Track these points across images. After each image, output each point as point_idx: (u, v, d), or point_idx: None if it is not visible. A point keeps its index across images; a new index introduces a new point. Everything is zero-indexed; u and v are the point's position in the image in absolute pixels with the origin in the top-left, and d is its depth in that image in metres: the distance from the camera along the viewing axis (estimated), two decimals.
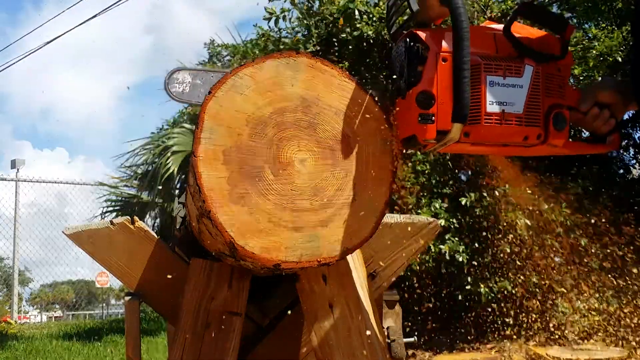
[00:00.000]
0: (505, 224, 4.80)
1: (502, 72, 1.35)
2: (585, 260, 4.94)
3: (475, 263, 5.06)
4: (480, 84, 1.33)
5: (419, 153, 4.90)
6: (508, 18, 1.42)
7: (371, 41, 5.10)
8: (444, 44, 1.34)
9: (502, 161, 2.31)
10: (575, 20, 5.88)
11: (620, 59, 5.57)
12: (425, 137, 1.35)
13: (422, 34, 1.36)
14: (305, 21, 5.54)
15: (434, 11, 1.39)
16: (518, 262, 5.01)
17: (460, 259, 4.77)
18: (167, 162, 6.07)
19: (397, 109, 1.42)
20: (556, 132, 1.40)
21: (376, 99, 1.48)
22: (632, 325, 4.60)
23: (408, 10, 1.39)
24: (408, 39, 1.38)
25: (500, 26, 1.44)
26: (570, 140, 1.46)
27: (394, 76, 1.43)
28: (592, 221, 5.31)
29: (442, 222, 4.39)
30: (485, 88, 1.33)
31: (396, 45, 1.44)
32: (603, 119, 1.47)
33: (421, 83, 1.33)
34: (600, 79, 1.52)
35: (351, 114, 1.46)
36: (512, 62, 1.37)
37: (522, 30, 1.44)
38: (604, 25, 6.28)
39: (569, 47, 1.46)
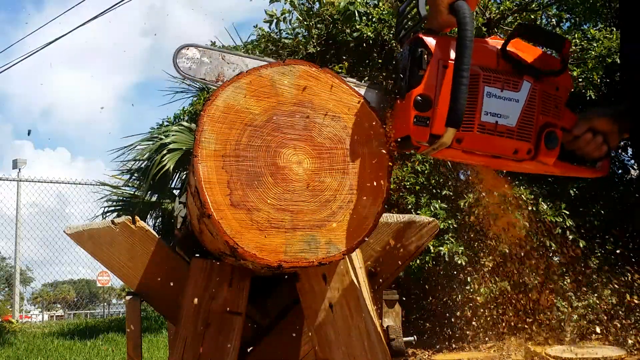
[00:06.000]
0: (504, 224, 4.81)
1: (500, 85, 1.38)
2: (584, 260, 4.95)
3: (475, 263, 5.07)
4: (478, 94, 1.36)
5: (418, 154, 4.91)
6: (505, 39, 1.44)
7: (371, 42, 5.11)
8: (447, 51, 1.37)
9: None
10: (573, 21, 5.88)
11: (618, 61, 5.55)
12: (419, 139, 1.38)
13: (427, 40, 1.39)
14: (305, 22, 5.55)
15: (442, 18, 1.41)
16: (517, 263, 5.02)
17: (460, 261, 4.74)
18: (163, 159, 6.03)
19: (395, 109, 1.45)
20: (547, 150, 1.43)
21: (372, 101, 1.51)
22: (630, 324, 4.62)
23: (417, 16, 1.42)
24: (413, 43, 1.41)
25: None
26: (560, 160, 1.48)
27: (395, 77, 1.46)
28: (591, 221, 5.33)
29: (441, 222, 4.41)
30: (482, 98, 1.36)
31: (401, 48, 1.47)
32: (596, 145, 1.48)
33: (421, 86, 1.36)
34: (597, 108, 1.52)
35: (347, 117, 1.48)
36: (511, 77, 1.39)
37: (522, 48, 1.46)
38: (602, 26, 6.28)
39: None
